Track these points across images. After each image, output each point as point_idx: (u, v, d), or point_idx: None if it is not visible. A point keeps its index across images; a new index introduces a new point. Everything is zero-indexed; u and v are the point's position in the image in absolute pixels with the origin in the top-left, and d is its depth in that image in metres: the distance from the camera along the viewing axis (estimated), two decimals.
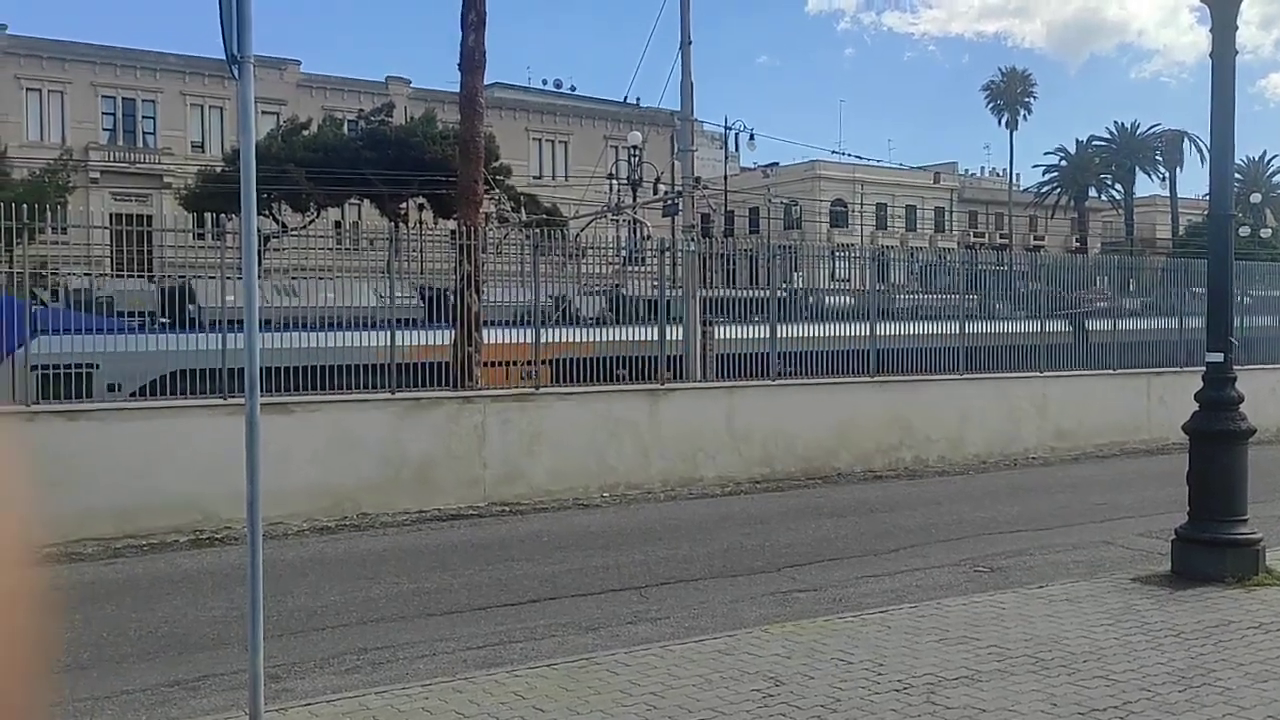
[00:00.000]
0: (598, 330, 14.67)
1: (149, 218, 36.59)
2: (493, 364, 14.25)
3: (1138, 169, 69.94)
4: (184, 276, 13.88)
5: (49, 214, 12.70)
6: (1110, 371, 18.46)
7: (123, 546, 10.35)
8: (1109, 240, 69.40)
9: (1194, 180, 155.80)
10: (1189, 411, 8.16)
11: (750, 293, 17.39)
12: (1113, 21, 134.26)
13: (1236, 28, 8.00)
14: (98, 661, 6.73)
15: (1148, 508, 11.94)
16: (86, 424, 10.89)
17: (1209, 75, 7.97)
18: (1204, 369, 8.13)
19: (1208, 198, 8.96)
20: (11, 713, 0.45)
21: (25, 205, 11.35)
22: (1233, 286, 8.51)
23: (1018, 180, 74.48)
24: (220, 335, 11.71)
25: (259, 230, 5.61)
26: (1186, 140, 67.32)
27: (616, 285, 16.68)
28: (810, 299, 17.21)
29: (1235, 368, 8.13)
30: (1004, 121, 71.28)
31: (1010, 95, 70.66)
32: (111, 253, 13.78)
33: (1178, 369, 17.94)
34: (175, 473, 10.92)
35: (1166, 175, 70.59)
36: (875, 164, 55.28)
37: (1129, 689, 5.48)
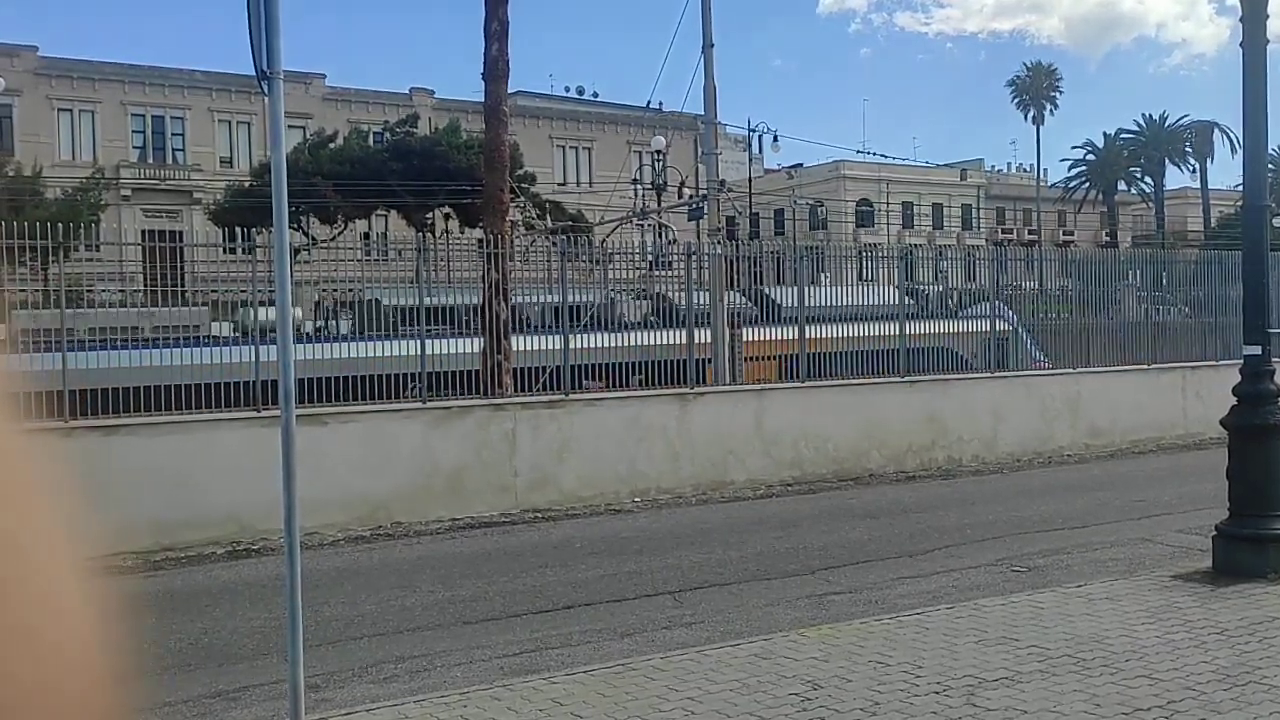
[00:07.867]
0: (624, 335, 14.67)
1: (180, 233, 36.98)
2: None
3: (1167, 161, 69.13)
4: (214, 291, 14.03)
5: (82, 232, 12.89)
6: (1144, 367, 18.23)
7: (161, 559, 10.46)
8: (1140, 234, 68.62)
9: (1225, 172, 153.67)
10: (1226, 406, 8.06)
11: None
12: (1130, 15, 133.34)
13: (1268, 16, 7.93)
14: (139, 673, 6.81)
15: (1186, 504, 11.77)
16: (123, 438, 11.02)
17: (1233, 67, 7.94)
18: (1241, 363, 8.04)
19: (1240, 189, 8.84)
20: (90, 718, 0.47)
21: (59, 224, 11.54)
22: (1269, 278, 8.41)
23: (1045, 175, 73.91)
24: (254, 347, 11.82)
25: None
26: (1216, 131, 66.51)
27: (643, 290, 16.68)
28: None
29: (1274, 360, 8.03)
30: (1030, 117, 70.75)
31: (1036, 90, 70.13)
32: (144, 268, 13.97)
33: (1213, 363, 17.70)
34: (212, 485, 11.03)
35: (1197, 167, 69.81)
36: (901, 162, 54.89)
37: (1173, 688, 5.41)
